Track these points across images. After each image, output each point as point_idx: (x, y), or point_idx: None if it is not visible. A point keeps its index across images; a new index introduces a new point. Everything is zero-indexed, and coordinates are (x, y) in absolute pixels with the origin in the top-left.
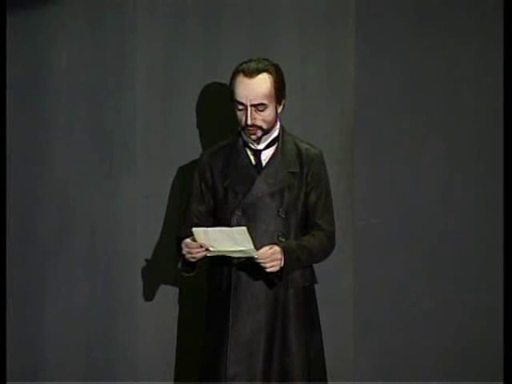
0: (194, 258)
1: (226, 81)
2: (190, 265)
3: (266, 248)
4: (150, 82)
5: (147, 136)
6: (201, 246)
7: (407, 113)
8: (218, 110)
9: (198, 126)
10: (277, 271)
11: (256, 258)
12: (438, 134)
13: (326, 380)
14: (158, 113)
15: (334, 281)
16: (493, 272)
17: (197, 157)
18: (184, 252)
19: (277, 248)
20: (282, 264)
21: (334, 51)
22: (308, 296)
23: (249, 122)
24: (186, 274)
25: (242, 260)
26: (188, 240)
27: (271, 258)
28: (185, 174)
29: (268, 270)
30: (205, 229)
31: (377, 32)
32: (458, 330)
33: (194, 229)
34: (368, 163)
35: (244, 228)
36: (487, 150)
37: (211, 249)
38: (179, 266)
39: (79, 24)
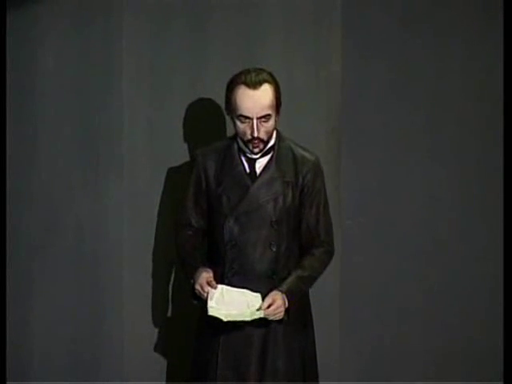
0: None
1: (214, 81)
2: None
3: (269, 300)
4: (137, 83)
5: (134, 136)
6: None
7: (394, 112)
8: (206, 110)
9: (184, 127)
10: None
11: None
12: (425, 133)
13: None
14: (145, 113)
15: (320, 280)
16: (481, 271)
17: (184, 156)
18: (197, 289)
19: (279, 301)
20: (286, 306)
21: (321, 51)
22: (301, 300)
23: (255, 135)
24: (195, 302)
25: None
26: (202, 281)
27: (275, 312)
28: (174, 173)
29: (272, 319)
30: (220, 290)
31: (363, 31)
32: (446, 329)
33: (209, 289)
34: (355, 163)
35: (259, 295)
36: (474, 149)
37: (223, 316)
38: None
39: (66, 25)
